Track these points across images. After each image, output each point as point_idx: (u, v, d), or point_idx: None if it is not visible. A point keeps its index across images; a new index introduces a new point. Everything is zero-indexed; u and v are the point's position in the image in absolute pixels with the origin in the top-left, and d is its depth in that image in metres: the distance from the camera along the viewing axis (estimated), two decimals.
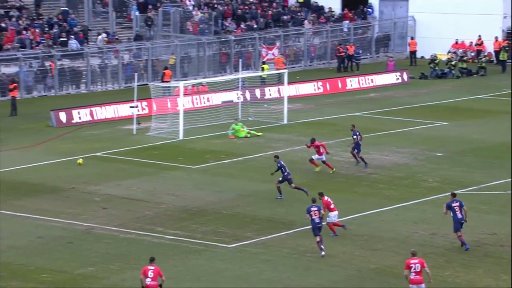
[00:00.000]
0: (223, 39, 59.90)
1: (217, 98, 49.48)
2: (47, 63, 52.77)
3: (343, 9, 69.26)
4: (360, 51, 63.66)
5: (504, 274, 25.75)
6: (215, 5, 65.42)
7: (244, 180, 34.98)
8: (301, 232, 28.73)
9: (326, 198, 28.91)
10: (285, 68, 52.90)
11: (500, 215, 30.95)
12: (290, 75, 49.74)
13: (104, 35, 57.54)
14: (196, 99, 49.09)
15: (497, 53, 64.57)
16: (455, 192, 29.15)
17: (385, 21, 68.98)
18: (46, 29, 56.62)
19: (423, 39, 65.77)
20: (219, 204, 32.13)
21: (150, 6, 62.38)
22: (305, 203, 28.46)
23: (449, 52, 65.36)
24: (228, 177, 35.38)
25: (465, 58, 63.39)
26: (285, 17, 66.35)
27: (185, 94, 45.82)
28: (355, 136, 36.87)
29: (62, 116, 45.09)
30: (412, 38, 66.39)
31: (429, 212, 30.79)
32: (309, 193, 32.11)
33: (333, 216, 28.81)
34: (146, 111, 46.24)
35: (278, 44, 60.98)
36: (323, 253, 26.98)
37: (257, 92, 51.10)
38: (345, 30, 66.01)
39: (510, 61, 63.09)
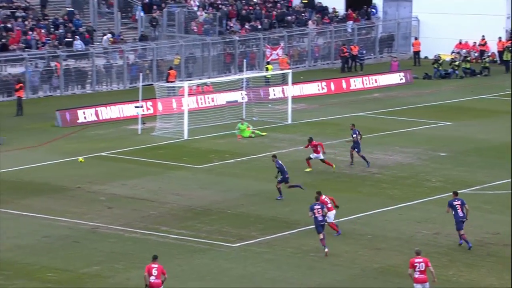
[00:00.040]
0: (227, 40, 60.00)
1: (222, 98, 49.56)
2: (52, 64, 52.86)
3: (347, 10, 69.33)
4: (364, 51, 63.72)
5: (508, 273, 25.77)
6: (220, 6, 65.54)
7: (248, 179, 35.04)
8: (305, 232, 28.81)
9: (323, 197, 28.98)
10: (289, 68, 53.03)
11: (503, 214, 30.97)
12: (294, 75, 49.73)
13: (109, 35, 57.70)
14: (201, 99, 49.17)
15: (500, 53, 64.60)
16: (458, 191, 29.20)
17: (389, 21, 68.99)
18: (52, 29, 56.79)
19: (426, 40, 65.76)
20: (223, 203, 32.20)
21: (155, 7, 62.53)
22: (309, 202, 28.47)
23: (452, 52, 65.35)
24: (233, 177, 35.46)
25: (468, 58, 63.47)
26: (289, 17, 66.44)
27: (190, 94, 45.90)
28: (354, 135, 36.95)
29: (68, 116, 45.18)
30: (416, 39, 66.37)
31: (433, 212, 30.82)
32: (304, 187, 32.29)
33: (331, 215, 28.86)
34: (151, 111, 46.30)
35: (282, 44, 61.06)
36: (326, 249, 27.08)
37: (262, 92, 51.21)
38: (349, 30, 66.06)
39: None
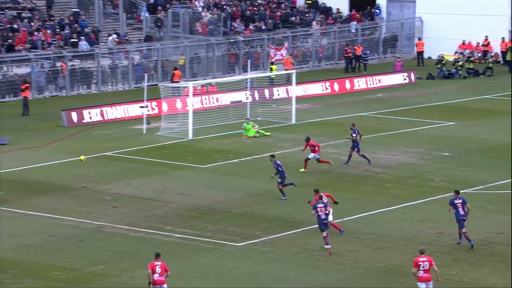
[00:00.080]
0: (232, 40, 60.14)
1: (226, 98, 49.69)
2: (58, 64, 53.01)
3: (350, 10, 69.43)
4: (368, 52, 63.81)
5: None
6: (224, 6, 65.70)
7: (252, 179, 35.12)
8: (309, 231, 28.88)
9: (320, 195, 29.14)
10: (293, 69, 53.16)
11: (506, 214, 30.94)
12: (298, 75, 49.79)
13: (114, 36, 57.90)
14: (205, 99, 49.26)
15: (503, 53, 64.68)
16: (462, 191, 29.30)
17: (393, 22, 69.06)
18: (58, 30, 56.97)
19: (430, 40, 65.84)
20: (227, 203, 32.27)
21: (159, 7, 62.70)
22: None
23: (456, 52, 65.43)
24: (237, 177, 35.54)
25: (472, 58, 63.51)
26: (293, 18, 66.56)
27: (195, 94, 45.88)
28: (354, 134, 37.05)
29: (73, 116, 45.32)
30: (419, 39, 66.47)
31: (436, 211, 30.85)
32: (296, 184, 32.42)
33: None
34: (156, 111, 46.39)
35: (286, 45, 61.20)
36: (329, 246, 27.21)
37: (266, 92, 51.36)
38: (353, 31, 66.18)
39: None
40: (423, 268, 23.42)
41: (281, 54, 59.69)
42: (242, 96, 48.88)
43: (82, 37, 55.79)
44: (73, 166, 37.05)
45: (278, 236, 28.77)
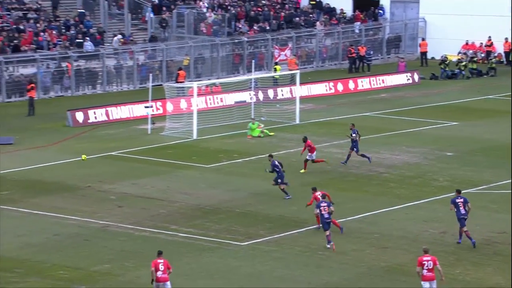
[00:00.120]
0: (236, 40, 60.25)
1: (230, 98, 49.79)
2: (63, 64, 53.18)
3: (354, 11, 69.51)
4: (371, 52, 63.88)
5: None
6: (229, 7, 65.84)
7: (256, 179, 35.15)
8: (313, 230, 28.98)
9: (317, 193, 29.26)
10: (297, 69, 53.30)
11: (509, 214, 30.92)
12: (302, 75, 49.96)
13: (119, 36, 58.08)
14: (210, 99, 49.37)
15: (507, 54, 64.74)
16: (465, 190, 29.44)
17: (396, 22, 69.10)
18: (63, 30, 57.15)
19: (433, 40, 65.85)
20: (232, 202, 32.36)
21: (164, 8, 62.86)
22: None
23: (459, 53, 65.45)
24: (241, 176, 35.62)
25: (475, 59, 63.64)
26: (297, 18, 66.66)
27: (199, 95, 45.98)
28: (354, 134, 37.16)
29: (79, 116, 45.48)
30: (423, 39, 66.54)
31: (440, 211, 30.88)
32: (289, 198, 32.42)
33: None
34: (161, 111, 46.51)
35: (290, 45, 61.34)
36: (332, 243, 27.36)
37: (270, 93, 51.49)
38: (357, 31, 66.26)
39: None
40: (427, 268, 23.47)
41: (285, 55, 59.83)
42: (246, 96, 49.00)
43: (87, 38, 55.98)
44: (78, 165, 37.12)
45: (282, 235, 28.85)
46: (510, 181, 34.82)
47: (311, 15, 68.10)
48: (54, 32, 56.08)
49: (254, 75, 49.44)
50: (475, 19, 64.87)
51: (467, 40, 66.10)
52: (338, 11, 69.53)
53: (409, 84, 58.26)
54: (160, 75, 55.87)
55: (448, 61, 61.10)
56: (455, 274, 25.66)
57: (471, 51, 65.81)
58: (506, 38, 64.68)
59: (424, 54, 65.50)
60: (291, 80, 51.69)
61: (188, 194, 33.36)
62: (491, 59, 63.54)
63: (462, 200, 28.16)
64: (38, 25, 56.24)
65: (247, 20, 64.94)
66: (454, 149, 40.46)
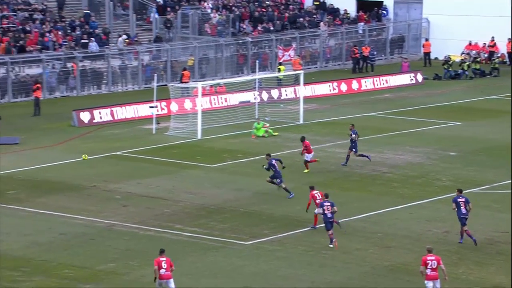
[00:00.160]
0: (240, 41, 60.40)
1: (235, 99, 49.89)
2: (69, 65, 53.36)
3: (358, 11, 69.62)
4: (375, 53, 63.97)
5: None
6: (233, 8, 66.01)
7: (260, 178, 34.98)
8: (317, 230, 29.01)
9: (314, 192, 29.40)
10: (301, 69, 53.44)
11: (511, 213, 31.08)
12: (306, 76, 50.01)
13: (124, 36, 58.27)
14: (214, 100, 49.49)
15: (510, 54, 64.79)
16: (468, 190, 29.53)
17: (400, 23, 69.17)
18: (69, 31, 57.34)
19: (437, 41, 65.92)
20: (236, 202, 32.46)
21: (169, 9, 63.05)
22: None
23: (462, 53, 65.53)
24: (245, 176, 35.69)
25: (478, 59, 63.66)
26: (301, 19, 66.79)
27: (203, 95, 46.15)
28: (354, 135, 37.25)
29: (84, 116, 45.62)
30: (427, 40, 66.63)
31: (443, 211, 30.89)
32: (292, 196, 32.48)
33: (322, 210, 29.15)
34: (165, 111, 46.62)
35: (294, 45, 61.48)
36: (333, 240, 27.51)
37: (274, 93, 51.63)
38: (360, 32, 66.38)
39: None
40: (431, 267, 23.53)
41: (289, 55, 59.97)
42: (251, 96, 49.11)
43: (92, 38, 56.16)
44: (83, 165, 37.24)
45: (286, 234, 28.95)
46: (510, 181, 34.89)
47: (315, 16, 68.22)
48: (59, 32, 56.28)
49: (258, 75, 49.51)
50: (478, 20, 64.93)
51: (470, 41, 66.14)
52: (341, 12, 69.62)
53: (413, 84, 58.34)
54: (164, 75, 56.03)
55: (451, 62, 61.19)
56: (458, 273, 25.72)
57: (474, 52, 65.87)
58: (509, 39, 64.73)
59: (427, 54, 65.58)
60: (295, 80, 51.85)
61: (192, 194, 33.46)
62: (494, 60, 63.61)
63: (463, 199, 28.26)
64: (44, 25, 56.44)
65: (251, 21, 65.10)
66: (457, 149, 40.53)
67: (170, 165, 37.80)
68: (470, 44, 66.27)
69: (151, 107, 44.56)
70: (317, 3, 70.16)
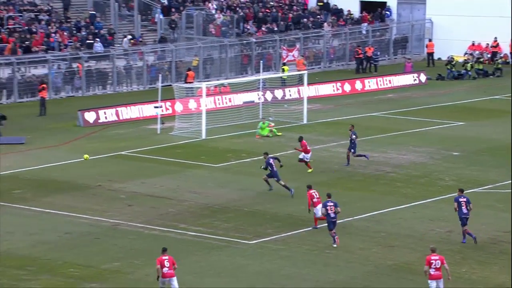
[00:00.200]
0: (244, 41, 60.55)
1: (239, 99, 50.04)
2: (74, 65, 53.52)
3: (361, 12, 69.75)
4: (378, 53, 64.08)
5: None
6: (237, 8, 66.15)
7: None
8: (320, 229, 29.11)
9: (312, 191, 29.53)
10: (305, 69, 53.58)
11: None
12: (310, 76, 50.16)
13: (129, 37, 58.44)
14: (218, 100, 49.60)
15: None
16: (471, 190, 29.59)
17: (403, 23, 69.27)
18: (74, 32, 57.53)
19: (440, 41, 65.99)
20: (240, 201, 32.54)
21: (173, 10, 63.21)
22: (323, 200, 28.90)
23: (465, 53, 65.62)
24: (249, 176, 35.74)
25: (481, 59, 63.80)
26: (305, 19, 66.92)
27: (208, 95, 46.19)
28: (354, 136, 37.37)
29: (89, 116, 45.78)
30: (430, 40, 66.74)
31: (446, 210, 30.93)
32: (293, 193, 32.63)
33: (319, 209, 29.26)
34: (170, 111, 46.76)
35: (298, 46, 61.63)
36: (336, 237, 27.67)
37: (278, 93, 51.77)
38: (364, 32, 66.48)
39: None
40: (434, 267, 23.55)
41: (293, 55, 60.12)
42: (255, 96, 49.26)
43: (97, 39, 56.35)
44: (88, 165, 37.29)
45: (290, 234, 29.04)
46: (510, 181, 34.92)
47: (318, 16, 68.33)
48: (65, 33, 56.46)
49: (262, 75, 49.65)
50: (481, 20, 65.00)
51: (473, 41, 66.23)
52: (345, 12, 69.74)
53: (416, 84, 58.43)
54: (169, 76, 56.18)
55: (454, 62, 61.27)
56: (461, 272, 25.77)
57: (477, 52, 65.97)
58: None
59: (431, 54, 65.67)
60: (298, 81, 51.97)
61: (197, 193, 33.55)
62: (497, 60, 63.71)
63: (465, 199, 28.35)
64: (49, 26, 56.63)
65: (255, 21, 65.24)
66: (460, 149, 40.61)
67: (174, 164, 37.90)
68: (473, 44, 66.37)
69: (156, 107, 44.67)
70: (321, 3, 70.29)
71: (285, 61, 59.09)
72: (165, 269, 23.56)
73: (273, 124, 43.57)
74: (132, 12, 61.92)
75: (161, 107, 44.87)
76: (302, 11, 68.92)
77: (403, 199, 32.95)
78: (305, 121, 46.34)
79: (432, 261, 23.58)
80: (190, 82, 52.10)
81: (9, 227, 29.61)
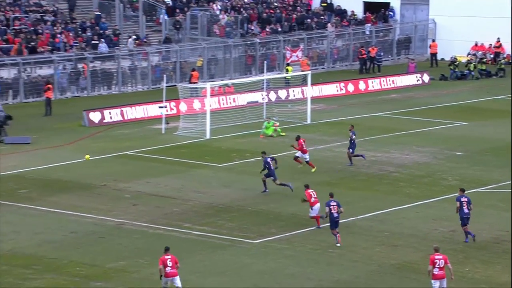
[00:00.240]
0: (248, 42, 60.64)
1: (243, 99, 50.11)
2: (80, 65, 53.65)
3: (365, 13, 69.82)
4: (382, 53, 64.16)
5: None
6: (241, 9, 66.28)
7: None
8: (324, 229, 29.16)
9: (309, 190, 29.64)
10: (309, 70, 53.71)
11: None
12: (313, 76, 50.15)
13: (134, 37, 58.57)
14: (223, 100, 49.70)
15: None
16: (474, 190, 29.65)
17: (406, 24, 69.31)
18: (79, 32, 57.69)
19: (443, 42, 66.02)
20: (244, 201, 32.63)
21: (178, 10, 63.34)
22: (326, 200, 28.89)
23: (468, 54, 65.71)
24: (253, 175, 35.60)
25: (484, 60, 63.80)
26: (308, 20, 67.02)
27: (212, 95, 46.30)
28: (354, 136, 37.47)
29: (94, 116, 45.90)
30: (433, 41, 66.84)
31: (449, 210, 30.85)
32: (293, 188, 32.73)
33: (316, 208, 29.41)
34: (175, 111, 46.81)
35: (301, 46, 61.75)
36: (338, 234, 27.82)
37: (282, 93, 51.91)
38: (367, 33, 66.56)
39: None
40: (438, 266, 23.60)
41: (297, 56, 60.25)
42: (259, 96, 49.36)
43: (102, 39, 56.53)
44: (94, 164, 37.44)
45: (294, 233, 29.12)
46: (510, 181, 34.96)
47: (322, 17, 68.43)
48: (70, 34, 56.63)
49: (266, 76, 49.68)
50: (484, 21, 65.02)
51: (476, 42, 66.27)
52: (349, 13, 69.83)
53: (419, 84, 58.49)
54: (174, 76, 56.26)
55: (457, 62, 61.36)
56: (464, 272, 25.81)
57: (480, 52, 66.02)
58: None
59: (434, 55, 65.74)
60: (302, 81, 52.08)
61: (201, 193, 33.64)
62: (500, 60, 63.76)
63: (466, 199, 28.45)
64: (55, 27, 56.80)
65: (259, 22, 65.35)
66: (463, 149, 40.67)
67: (179, 164, 38.00)
68: (476, 45, 66.42)
69: (160, 107, 44.76)
70: (325, 4, 70.38)
71: (289, 62, 59.21)
72: (168, 269, 23.62)
73: (277, 124, 43.73)
74: (137, 13, 62.08)
75: (165, 107, 44.93)
76: (306, 12, 69.02)
77: (406, 199, 33.02)
78: (308, 121, 46.43)
79: (436, 261, 23.62)
80: (194, 83, 52.20)
81: (15, 226, 29.76)
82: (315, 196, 29.62)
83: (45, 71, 52.48)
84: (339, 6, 70.35)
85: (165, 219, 30.52)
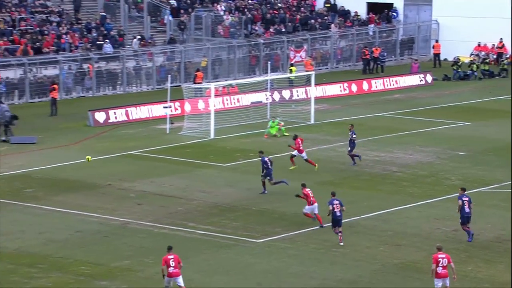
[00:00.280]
0: (252, 42, 60.79)
1: (247, 99, 50.22)
2: (85, 66, 53.77)
3: (368, 13, 69.92)
4: (385, 54, 64.23)
5: None
6: (245, 10, 66.44)
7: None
8: (327, 228, 29.17)
9: (307, 189, 29.77)
10: (313, 70, 53.85)
11: None
12: (317, 76, 50.20)
13: (139, 38, 58.73)
14: (227, 100, 49.81)
15: None
16: (476, 189, 29.68)
17: (409, 24, 69.37)
18: (85, 33, 57.86)
19: (446, 42, 66.05)
20: (248, 200, 32.70)
21: (182, 11, 63.50)
22: (329, 199, 29.05)
23: (471, 54, 65.75)
24: (257, 175, 35.33)
25: (487, 60, 63.84)
26: (312, 21, 67.15)
27: (216, 95, 46.46)
28: (354, 136, 37.56)
29: (99, 116, 46.04)
30: (436, 41, 66.92)
31: (452, 209, 30.63)
32: (288, 182, 32.79)
33: (314, 207, 29.54)
34: (179, 111, 46.96)
35: (305, 47, 61.88)
36: (339, 234, 27.92)
37: (285, 93, 52.05)
38: (371, 33, 66.64)
39: None
40: (442, 265, 23.64)
41: (300, 56, 60.38)
42: (263, 96, 49.45)
43: (107, 40, 56.71)
44: (99, 164, 37.57)
45: (297, 233, 29.19)
46: (510, 181, 35.00)
47: (326, 18, 68.54)
48: (76, 34, 56.80)
49: (270, 76, 49.62)
50: (487, 21, 65.05)
51: (479, 42, 66.33)
52: (352, 14, 69.95)
53: (422, 85, 58.54)
54: (178, 76, 56.42)
55: (460, 63, 61.44)
56: (467, 271, 25.86)
57: (483, 53, 66.07)
58: None
59: (437, 55, 65.80)
60: (306, 81, 52.17)
61: (205, 192, 33.70)
62: (502, 61, 63.82)
63: (467, 199, 28.51)
64: (60, 28, 56.97)
65: (263, 23, 65.50)
66: (466, 149, 40.72)
67: (183, 164, 38.08)
68: (479, 45, 66.49)
69: (165, 107, 44.87)
70: (328, 5, 70.50)
71: (292, 62, 59.35)
72: (170, 269, 23.64)
73: (282, 123, 43.89)
74: (142, 13, 62.23)
75: (170, 107, 45.08)
76: (309, 13, 69.14)
77: (410, 198, 33.07)
78: (312, 121, 46.52)
79: (439, 260, 23.66)
80: (199, 83, 52.32)
81: (21, 225, 29.89)
82: (312, 195, 29.72)
83: (51, 71, 52.60)
84: (343, 6, 70.44)
85: (170, 219, 30.60)
